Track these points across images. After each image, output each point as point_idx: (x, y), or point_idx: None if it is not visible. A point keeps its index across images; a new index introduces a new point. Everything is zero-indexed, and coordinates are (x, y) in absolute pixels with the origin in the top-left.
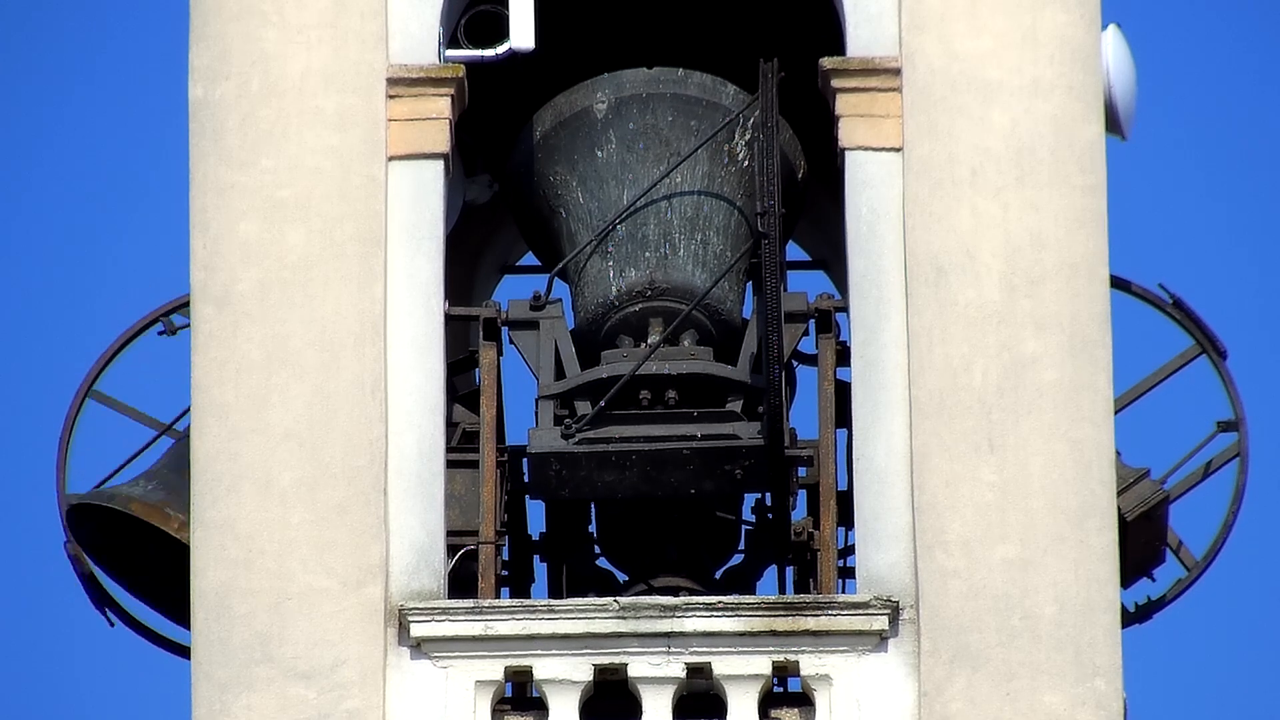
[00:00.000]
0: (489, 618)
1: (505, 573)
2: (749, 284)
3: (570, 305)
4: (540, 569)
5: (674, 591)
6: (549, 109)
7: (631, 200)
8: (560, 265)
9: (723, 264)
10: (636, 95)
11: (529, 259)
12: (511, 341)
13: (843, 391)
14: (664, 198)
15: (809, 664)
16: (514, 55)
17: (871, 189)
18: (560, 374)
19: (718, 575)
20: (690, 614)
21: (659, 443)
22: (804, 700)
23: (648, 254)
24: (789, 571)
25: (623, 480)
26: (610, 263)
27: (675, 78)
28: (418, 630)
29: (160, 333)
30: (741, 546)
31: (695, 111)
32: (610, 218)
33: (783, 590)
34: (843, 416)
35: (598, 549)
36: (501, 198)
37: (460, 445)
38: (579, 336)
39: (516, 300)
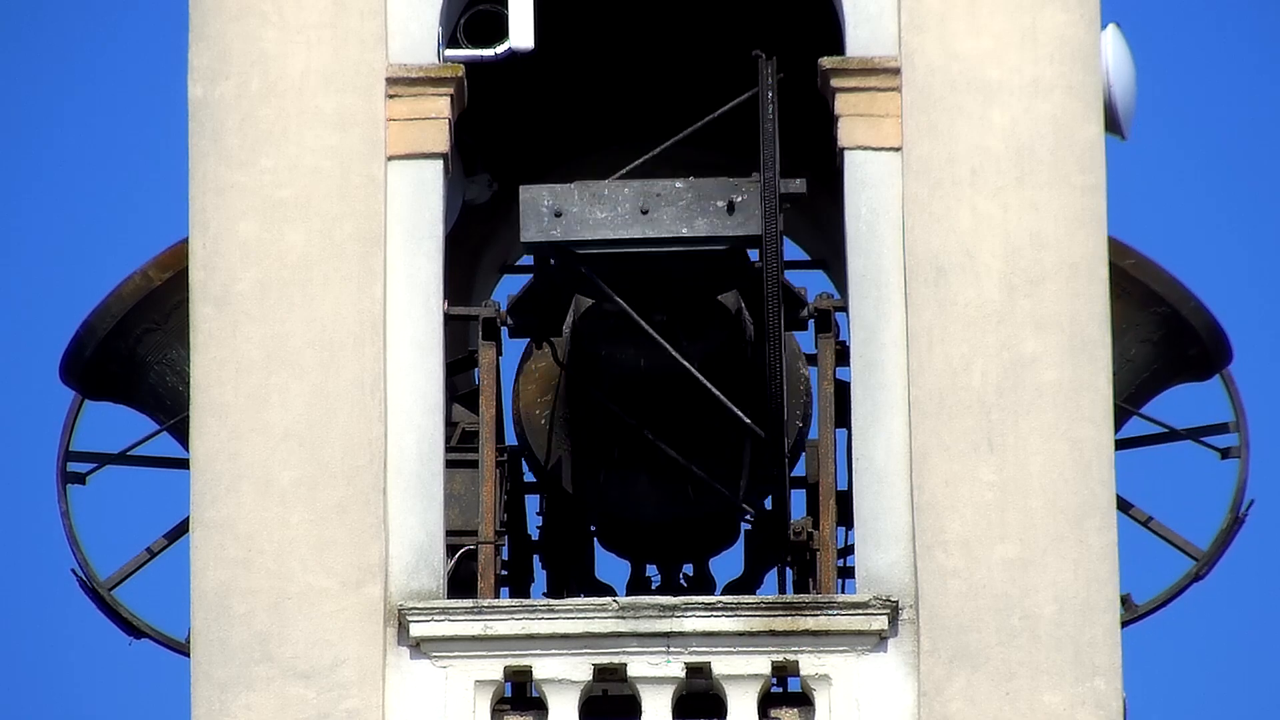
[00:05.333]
0: (488, 617)
1: (505, 572)
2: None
3: None
4: (540, 570)
5: (674, 590)
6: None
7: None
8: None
9: None
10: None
11: (528, 259)
12: (511, 337)
13: (842, 391)
14: None
15: (808, 664)
16: (514, 55)
17: (871, 189)
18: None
19: (719, 584)
20: (689, 614)
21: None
22: (803, 700)
23: None
24: (788, 571)
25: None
26: None
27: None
28: (417, 630)
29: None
30: (741, 551)
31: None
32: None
33: (782, 590)
34: (842, 416)
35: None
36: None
37: (460, 445)
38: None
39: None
